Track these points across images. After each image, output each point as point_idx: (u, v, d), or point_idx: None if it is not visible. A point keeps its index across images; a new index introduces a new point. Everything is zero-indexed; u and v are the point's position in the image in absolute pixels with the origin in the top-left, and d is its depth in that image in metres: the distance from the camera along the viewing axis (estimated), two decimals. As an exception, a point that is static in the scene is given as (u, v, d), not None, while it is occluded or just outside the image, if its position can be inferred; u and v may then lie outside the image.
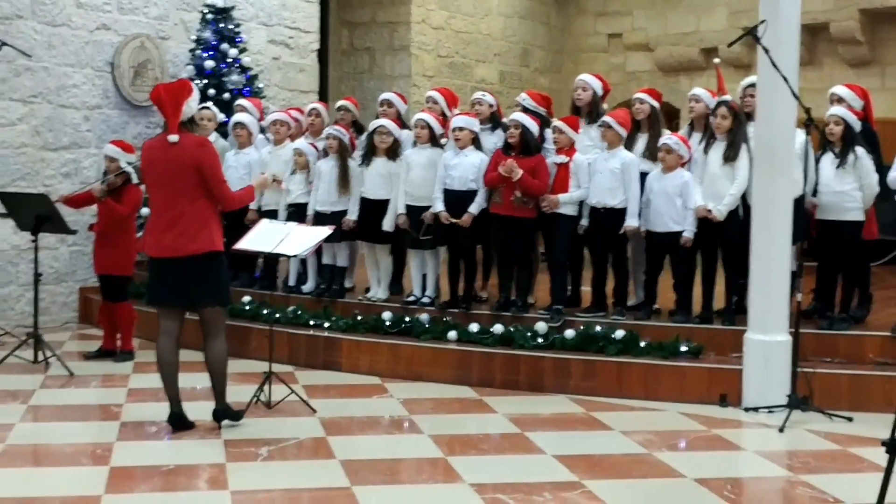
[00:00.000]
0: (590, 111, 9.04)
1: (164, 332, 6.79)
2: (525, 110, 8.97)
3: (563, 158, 8.63)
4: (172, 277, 6.65)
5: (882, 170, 8.40)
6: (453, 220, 8.78)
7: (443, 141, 9.20)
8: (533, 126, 8.66)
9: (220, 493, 5.64)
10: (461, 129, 8.83)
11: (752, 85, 8.27)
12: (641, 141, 8.87)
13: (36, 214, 8.69)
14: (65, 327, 10.79)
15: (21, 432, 6.83)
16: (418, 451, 6.58)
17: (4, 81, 10.32)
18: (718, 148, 8.35)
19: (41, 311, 9.25)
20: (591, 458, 6.44)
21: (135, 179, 8.87)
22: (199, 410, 6.96)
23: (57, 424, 7.13)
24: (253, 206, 9.39)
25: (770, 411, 7.47)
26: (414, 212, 9.02)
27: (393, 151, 9.21)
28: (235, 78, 11.30)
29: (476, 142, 8.91)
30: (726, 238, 8.37)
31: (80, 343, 9.95)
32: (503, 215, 8.65)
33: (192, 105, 6.71)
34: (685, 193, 8.36)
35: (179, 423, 6.83)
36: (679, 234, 8.41)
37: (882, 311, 8.94)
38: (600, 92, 9.13)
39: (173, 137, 6.55)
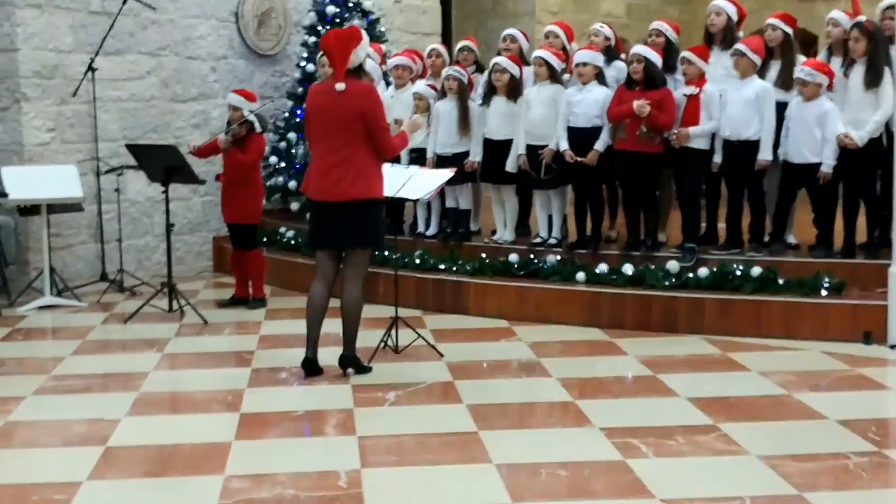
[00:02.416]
0: (723, 37, 8.68)
1: (320, 276, 6.83)
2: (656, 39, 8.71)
3: (692, 90, 8.31)
4: (332, 221, 6.66)
5: None
6: (578, 159, 8.57)
7: (565, 77, 8.94)
8: (656, 58, 8.37)
9: (348, 437, 5.63)
10: (585, 63, 8.57)
11: (892, 6, 7.82)
12: (774, 69, 8.46)
13: (165, 166, 8.76)
14: (199, 276, 10.94)
15: (156, 380, 6.94)
16: (547, 394, 6.46)
17: (132, 35, 10.42)
18: (858, 72, 7.94)
19: (176, 261, 9.39)
20: (727, 401, 6.23)
21: (258, 128, 8.86)
22: (329, 356, 6.94)
23: (191, 372, 7.22)
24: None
25: (918, 348, 7.15)
26: (535, 152, 8.82)
27: (513, 90, 8.99)
28: (357, 23, 11.18)
29: (600, 76, 8.65)
30: (869, 168, 7.96)
31: (215, 291, 10.07)
32: (629, 151, 8.39)
33: (359, 53, 6.67)
34: (824, 123, 7.98)
35: (312, 369, 6.84)
36: (817, 165, 8.05)
37: None
38: (735, 17, 8.75)
39: (340, 86, 6.55)
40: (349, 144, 6.56)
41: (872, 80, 7.83)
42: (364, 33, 6.82)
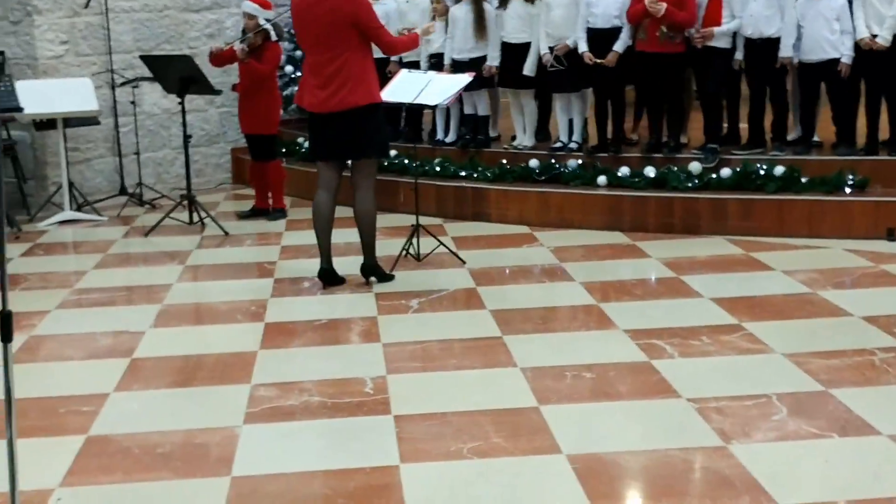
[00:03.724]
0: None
1: (323, 186, 6.75)
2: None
3: (713, -13, 8.14)
4: (333, 131, 6.56)
5: None
6: (598, 61, 8.44)
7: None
8: (673, -45, 8.20)
9: (372, 345, 5.64)
10: (601, -37, 8.41)
11: None
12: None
13: (181, 76, 8.69)
14: (219, 188, 10.92)
15: (179, 292, 6.95)
16: (570, 298, 6.45)
17: (142, -55, 10.28)
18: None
19: (195, 174, 9.35)
20: (752, 300, 6.20)
21: (273, 37, 8.75)
22: (351, 266, 6.93)
23: (213, 283, 7.22)
24: (393, 57, 9.20)
25: (943, 244, 7.09)
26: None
27: (530, -8, 8.85)
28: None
29: (619, -24, 8.48)
30: (891, 64, 7.82)
31: (234, 203, 10.06)
32: (650, 52, 8.26)
33: None
34: (842, 16, 7.84)
35: (330, 279, 6.82)
36: (835, 61, 7.92)
37: None
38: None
39: None
40: (342, 51, 6.42)
41: None
42: None
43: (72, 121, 9.33)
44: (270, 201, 9.21)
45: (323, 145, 6.68)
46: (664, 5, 7.99)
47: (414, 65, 9.25)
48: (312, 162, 7.17)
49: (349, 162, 6.75)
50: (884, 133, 8.15)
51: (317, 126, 6.67)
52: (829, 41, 7.91)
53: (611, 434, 4.39)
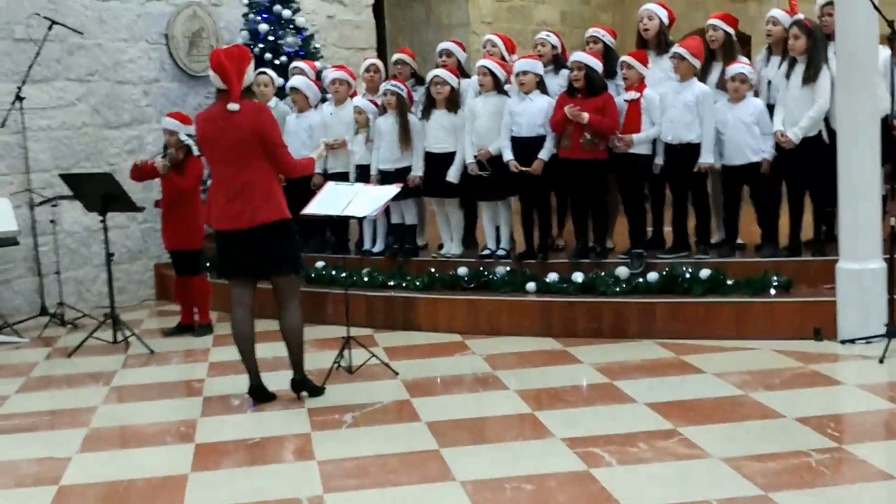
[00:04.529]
0: (658, 42, 8.69)
1: (238, 303, 6.65)
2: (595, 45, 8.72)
3: (633, 95, 8.31)
4: (242, 249, 6.48)
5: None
6: (523, 169, 8.53)
7: (507, 87, 8.91)
8: (596, 65, 8.35)
9: (307, 463, 5.54)
10: (525, 72, 8.54)
11: (830, 3, 7.87)
12: (716, 71, 8.49)
13: (102, 194, 8.60)
14: (142, 305, 10.76)
15: (105, 414, 6.78)
16: (505, 407, 6.41)
17: (59, 61, 10.25)
18: (798, 71, 7.98)
19: (118, 291, 9.23)
20: (686, 404, 6.21)
21: (195, 151, 8.72)
22: (281, 380, 6.84)
23: (140, 404, 7.04)
24: (318, 169, 9.24)
25: (868, 342, 7.19)
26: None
27: (453, 102, 8.95)
28: (291, 40, 11.09)
29: (541, 85, 8.62)
30: (812, 165, 8.00)
31: (159, 320, 9.91)
32: (574, 159, 8.37)
33: (250, 73, 6.54)
34: (762, 120, 8.05)
35: (261, 395, 6.73)
36: (757, 164, 8.10)
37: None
38: (667, 21, 8.78)
39: (234, 106, 6.33)
40: (249, 167, 6.37)
41: (810, 76, 7.86)
42: (250, 52, 6.68)
43: (-10, 241, 9.17)
44: (196, 317, 9.10)
45: (234, 263, 6.59)
46: (586, 114, 8.12)
47: (341, 176, 9.28)
48: (223, 280, 7.05)
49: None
50: (807, 233, 8.30)
51: (226, 243, 6.58)
52: (750, 145, 8.08)
53: (555, 548, 4.32)
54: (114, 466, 5.70)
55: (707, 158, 8.16)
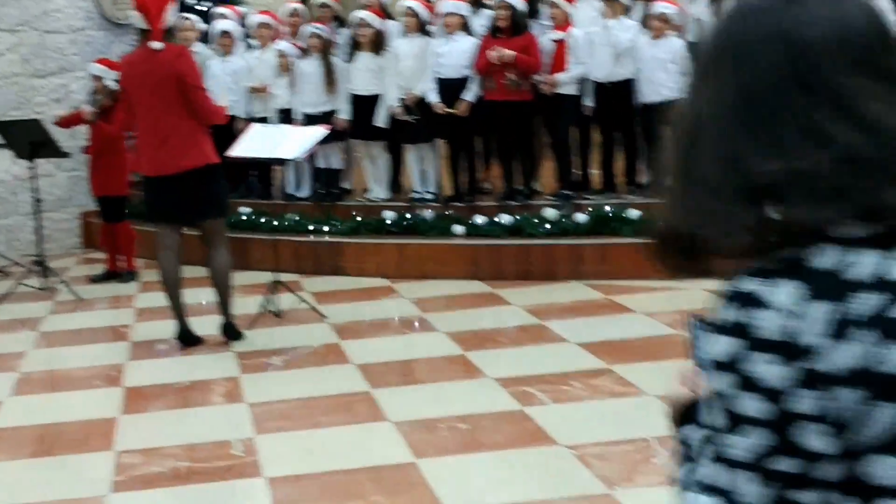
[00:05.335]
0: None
1: (165, 247, 6.55)
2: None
3: (559, 34, 8.25)
4: (170, 194, 6.38)
5: None
6: (449, 110, 8.45)
7: (431, 28, 8.80)
8: (521, 4, 8.28)
9: (237, 405, 5.48)
10: (450, 13, 8.44)
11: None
12: (640, 8, 8.46)
13: (30, 141, 8.44)
14: (69, 253, 10.57)
15: (35, 359, 6.69)
16: (435, 349, 6.37)
17: (-10, 12, 10.00)
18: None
19: (45, 239, 9.03)
20: (617, 343, 6.24)
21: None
22: (209, 325, 6.73)
23: (69, 349, 6.94)
24: (242, 114, 9.09)
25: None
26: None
27: (378, 44, 8.83)
28: (216, -15, 10.85)
29: (466, 26, 8.53)
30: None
31: (86, 267, 9.73)
32: (499, 101, 8.30)
33: (172, 13, 6.40)
34: (680, 59, 8.04)
35: (188, 339, 6.63)
36: (675, 101, 8.09)
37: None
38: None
39: (156, 44, 6.21)
40: (174, 112, 6.27)
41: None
42: None
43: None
44: (122, 264, 8.95)
45: (161, 208, 6.49)
46: (511, 51, 8.04)
47: (263, 121, 9.12)
48: (151, 224, 6.94)
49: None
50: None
51: (153, 189, 6.48)
52: (666, 83, 8.06)
53: (492, 486, 4.31)
54: (44, 410, 5.62)
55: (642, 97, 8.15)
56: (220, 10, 10.14)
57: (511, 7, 8.22)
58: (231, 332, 6.66)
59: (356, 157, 9.73)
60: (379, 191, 9.19)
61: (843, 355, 1.11)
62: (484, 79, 8.37)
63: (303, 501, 4.23)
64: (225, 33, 9.63)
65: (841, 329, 1.12)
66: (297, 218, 9.05)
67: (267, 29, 9.54)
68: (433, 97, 8.49)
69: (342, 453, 4.72)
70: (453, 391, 5.55)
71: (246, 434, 5.02)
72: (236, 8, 10.44)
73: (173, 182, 6.31)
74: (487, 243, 8.21)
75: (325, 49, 9.00)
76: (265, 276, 7.49)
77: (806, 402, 1.13)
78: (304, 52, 9.17)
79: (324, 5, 9.62)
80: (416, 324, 7.00)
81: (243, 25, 10.02)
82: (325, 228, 8.84)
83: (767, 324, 1.14)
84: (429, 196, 8.89)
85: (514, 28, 8.22)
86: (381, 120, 8.83)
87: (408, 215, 8.70)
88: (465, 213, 8.61)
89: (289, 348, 6.48)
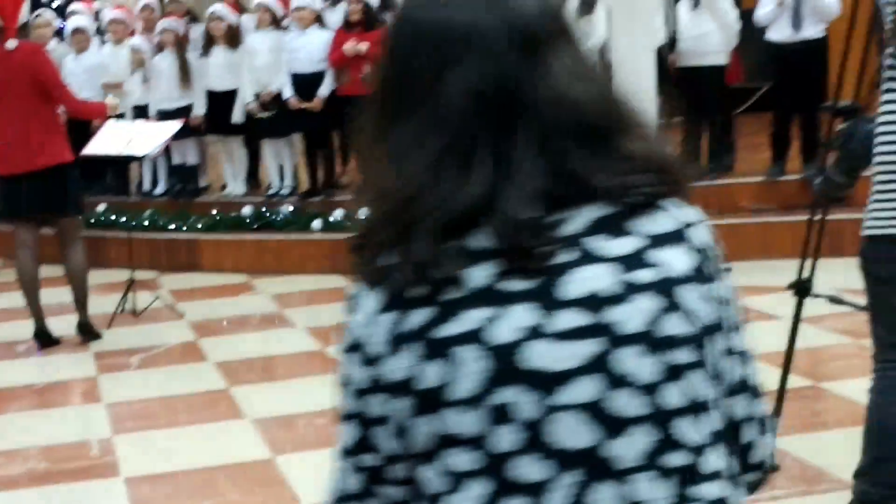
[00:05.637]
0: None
1: (22, 246, 6.51)
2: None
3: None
4: (25, 192, 6.34)
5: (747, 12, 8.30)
6: (304, 105, 8.50)
7: (285, 22, 8.83)
8: (374, -2, 8.40)
9: (95, 406, 5.48)
10: (302, 7, 8.49)
11: None
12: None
13: None
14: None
15: None
16: (294, 345, 6.45)
17: None
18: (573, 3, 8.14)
19: None
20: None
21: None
22: (66, 325, 6.68)
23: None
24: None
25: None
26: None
27: (232, 38, 8.83)
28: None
29: (320, 20, 8.59)
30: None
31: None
32: (354, 95, 8.39)
33: (25, 11, 6.35)
34: None
35: (46, 340, 6.59)
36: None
37: (749, 159, 8.68)
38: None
39: (12, 43, 6.21)
40: (28, 110, 6.23)
41: (585, 9, 7.71)
42: None
43: None
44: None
45: (17, 206, 6.45)
46: (364, 44, 8.13)
47: (118, 118, 9.02)
48: (5, 221, 6.88)
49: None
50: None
51: (9, 187, 6.42)
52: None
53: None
54: None
55: None
56: (75, 6, 10.00)
57: (363, 1, 8.31)
58: (88, 332, 6.63)
59: (213, 152, 9.72)
60: (236, 186, 9.20)
61: (397, 366, 1.21)
62: (339, 72, 8.45)
63: (161, 501, 4.28)
64: (78, 30, 9.50)
65: (397, 341, 1.22)
66: (154, 215, 8.99)
67: (120, 25, 9.44)
68: (288, 92, 8.54)
69: (200, 452, 4.78)
70: (311, 386, 5.62)
71: (104, 434, 5.04)
72: (90, 3, 10.31)
73: (28, 180, 6.28)
74: (346, 237, 8.26)
75: (179, 44, 8.97)
76: (122, 275, 7.45)
77: (375, 404, 1.24)
78: (159, 48, 9.12)
79: (175, 0, 9.57)
80: (276, 320, 7.05)
81: (97, 21, 9.93)
82: (183, 226, 8.81)
83: (354, 328, 1.25)
84: (286, 191, 8.93)
85: (367, 22, 8.31)
86: (237, 115, 8.84)
87: (266, 211, 8.74)
88: (323, 208, 8.67)
89: (146, 347, 6.47)
